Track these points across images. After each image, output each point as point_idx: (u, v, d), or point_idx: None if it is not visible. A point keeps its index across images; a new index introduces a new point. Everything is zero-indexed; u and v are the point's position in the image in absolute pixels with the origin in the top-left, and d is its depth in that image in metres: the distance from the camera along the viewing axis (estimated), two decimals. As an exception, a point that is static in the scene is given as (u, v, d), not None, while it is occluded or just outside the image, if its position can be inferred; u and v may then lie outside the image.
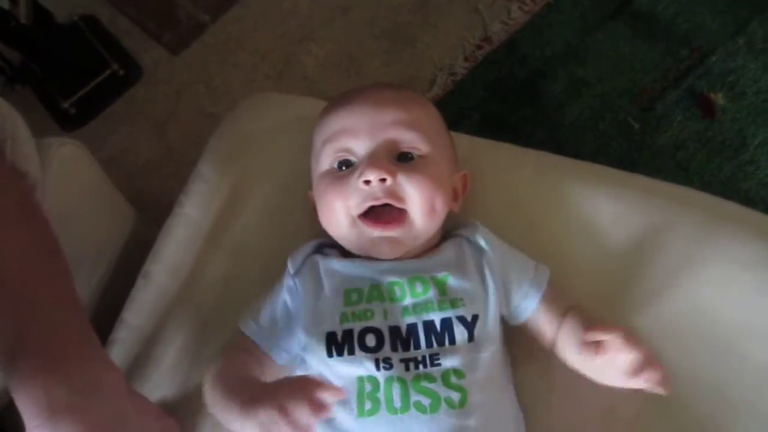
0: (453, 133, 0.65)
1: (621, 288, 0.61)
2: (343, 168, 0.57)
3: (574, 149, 1.13)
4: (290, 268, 0.59)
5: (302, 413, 0.44)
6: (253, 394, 0.49)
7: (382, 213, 0.55)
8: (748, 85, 1.15)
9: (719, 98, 1.15)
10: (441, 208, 0.57)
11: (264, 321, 0.58)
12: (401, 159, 0.56)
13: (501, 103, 1.17)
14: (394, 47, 1.23)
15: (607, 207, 0.63)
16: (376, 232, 0.55)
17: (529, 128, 1.15)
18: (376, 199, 0.54)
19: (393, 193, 0.54)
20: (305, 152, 0.62)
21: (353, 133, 0.56)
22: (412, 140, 0.56)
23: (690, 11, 1.21)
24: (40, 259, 0.51)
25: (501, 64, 1.20)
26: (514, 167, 0.67)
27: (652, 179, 0.67)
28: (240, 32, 1.28)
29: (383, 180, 0.54)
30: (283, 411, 0.44)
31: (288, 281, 0.58)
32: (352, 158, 0.56)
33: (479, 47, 1.22)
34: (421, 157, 0.56)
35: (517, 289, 0.57)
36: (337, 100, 0.61)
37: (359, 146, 0.56)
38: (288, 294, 0.58)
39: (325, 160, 0.58)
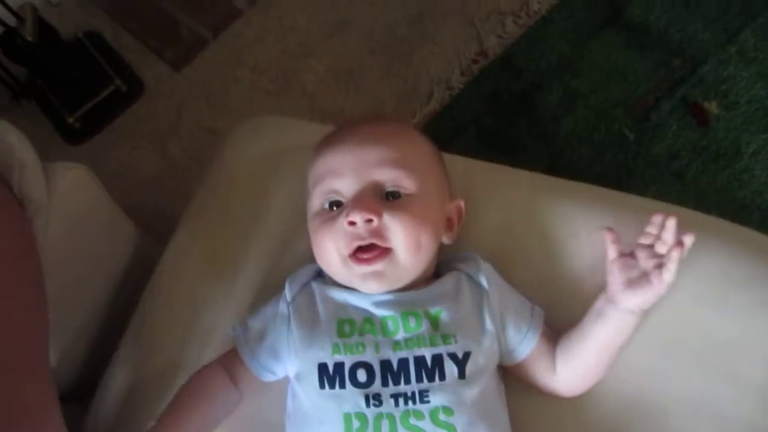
0: (447, 156, 0.65)
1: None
2: (334, 208, 0.58)
3: (570, 160, 1.14)
4: (287, 294, 0.60)
5: None
6: None
7: (368, 251, 0.55)
8: (741, 93, 1.16)
9: (713, 107, 1.16)
10: (427, 245, 0.57)
11: (252, 338, 0.59)
12: (388, 197, 0.57)
13: (497, 115, 1.19)
14: (392, 62, 1.25)
15: (601, 228, 0.61)
16: (361, 268, 0.56)
17: (525, 140, 1.16)
18: (362, 239, 0.55)
19: (378, 232, 0.55)
20: (303, 178, 0.63)
21: (339, 174, 0.57)
22: (398, 178, 0.57)
23: (682, 21, 1.22)
24: (20, 314, 0.50)
25: (497, 77, 1.22)
26: (508, 188, 0.68)
27: (645, 198, 0.68)
28: (240, 48, 1.30)
29: (369, 221, 0.54)
30: None
31: (282, 308, 0.59)
32: (341, 198, 0.57)
33: (475, 61, 1.23)
34: (407, 195, 0.57)
35: (516, 332, 0.58)
36: (326, 138, 0.62)
37: (346, 187, 0.57)
38: (279, 320, 0.59)
39: (316, 201, 0.59)
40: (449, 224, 0.61)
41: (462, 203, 0.63)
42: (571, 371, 0.58)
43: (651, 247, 0.56)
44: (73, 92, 1.27)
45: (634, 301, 0.55)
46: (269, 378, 0.60)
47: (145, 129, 1.26)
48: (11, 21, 1.14)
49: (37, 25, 1.16)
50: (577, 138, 1.16)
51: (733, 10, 1.22)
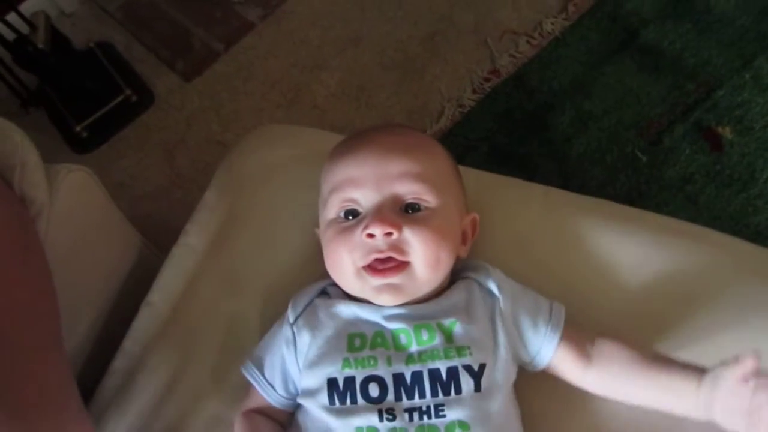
0: (460, 168, 0.64)
1: (630, 327, 0.60)
2: (350, 217, 0.56)
3: (582, 182, 1.13)
4: (290, 315, 0.58)
5: None
6: None
7: (385, 262, 0.54)
8: (756, 119, 1.16)
9: (727, 132, 1.15)
10: (446, 260, 0.56)
11: (277, 383, 0.58)
12: (408, 209, 0.56)
13: (508, 135, 1.18)
14: (403, 78, 1.25)
15: (617, 245, 0.62)
16: (376, 280, 0.54)
17: (536, 160, 1.15)
18: (380, 252, 0.54)
19: (396, 246, 0.54)
20: (312, 186, 0.62)
21: (359, 184, 0.56)
22: (419, 192, 0.56)
23: (696, 46, 1.22)
24: (30, 301, 0.51)
25: (509, 96, 1.21)
26: (521, 203, 0.67)
27: (662, 216, 0.67)
28: (252, 61, 1.30)
29: (389, 234, 0.53)
30: None
31: (286, 331, 0.58)
32: (358, 208, 0.56)
33: (487, 79, 1.23)
34: (428, 208, 0.56)
35: (534, 334, 0.56)
36: (344, 145, 0.60)
37: (365, 197, 0.56)
38: (285, 347, 0.58)
39: (332, 208, 0.57)
40: (464, 237, 0.60)
41: (477, 216, 0.62)
42: (605, 386, 0.56)
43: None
44: (83, 101, 1.27)
45: (723, 420, 0.50)
46: (292, 406, 0.59)
47: (153, 139, 1.25)
48: (24, 28, 1.14)
49: (50, 33, 1.16)
50: (589, 159, 1.15)
51: (747, 36, 1.22)
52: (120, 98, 1.27)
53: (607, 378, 0.56)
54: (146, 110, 1.28)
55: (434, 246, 0.55)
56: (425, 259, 0.54)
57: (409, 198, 0.56)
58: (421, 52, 1.27)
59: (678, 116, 1.17)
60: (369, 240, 0.54)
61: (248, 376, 0.59)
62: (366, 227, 0.53)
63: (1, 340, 0.47)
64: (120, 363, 0.64)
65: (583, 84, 1.21)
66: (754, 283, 0.61)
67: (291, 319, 0.58)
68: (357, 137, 0.61)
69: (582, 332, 0.58)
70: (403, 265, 0.54)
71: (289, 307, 0.59)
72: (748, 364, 0.48)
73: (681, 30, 1.24)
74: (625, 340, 0.57)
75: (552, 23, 1.26)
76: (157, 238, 0.87)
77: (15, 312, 0.49)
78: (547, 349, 0.56)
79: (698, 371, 0.52)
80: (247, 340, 0.62)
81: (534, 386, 0.58)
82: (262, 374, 0.59)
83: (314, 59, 1.29)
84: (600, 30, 1.26)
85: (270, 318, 0.61)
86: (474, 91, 1.22)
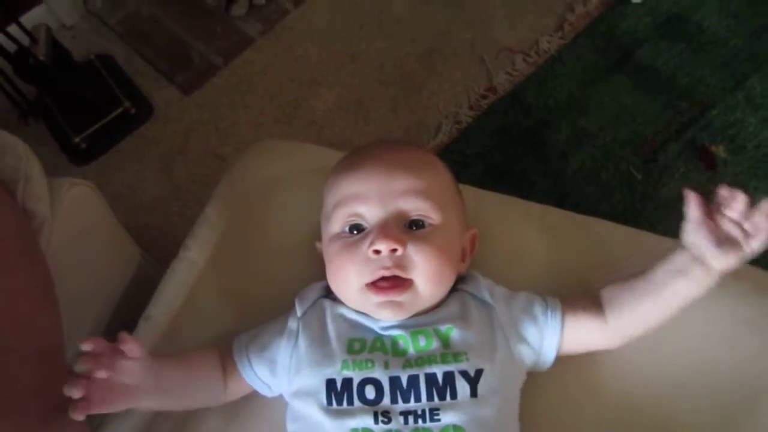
0: (459, 185, 0.64)
1: (627, 345, 0.60)
2: (354, 232, 0.57)
3: (577, 199, 1.14)
4: (298, 310, 0.59)
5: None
6: None
7: (390, 281, 0.55)
8: (749, 138, 1.17)
9: (720, 151, 1.16)
10: (449, 277, 0.57)
11: (252, 346, 0.59)
12: (412, 226, 0.56)
13: (505, 151, 1.19)
14: (401, 94, 1.26)
15: (615, 266, 0.62)
16: (379, 297, 0.55)
17: (532, 177, 1.16)
18: (386, 269, 0.54)
19: (400, 263, 0.55)
20: (313, 202, 0.63)
21: (364, 200, 0.56)
22: (423, 209, 0.56)
23: (690, 66, 1.24)
24: (35, 312, 0.51)
25: (505, 113, 1.23)
26: (519, 221, 0.67)
27: (659, 236, 0.67)
28: (251, 75, 1.31)
29: (394, 250, 0.54)
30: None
31: (291, 323, 0.59)
32: (363, 223, 0.57)
33: (484, 96, 1.24)
34: (431, 225, 0.57)
35: (534, 325, 0.57)
36: (349, 160, 0.61)
37: (370, 213, 0.56)
38: (287, 336, 0.58)
39: (336, 223, 0.58)
40: (463, 254, 0.61)
41: (476, 232, 0.63)
42: (629, 321, 0.57)
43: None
44: (82, 113, 1.28)
45: (724, 262, 0.52)
46: (261, 388, 0.59)
47: (152, 152, 1.26)
48: (25, 40, 1.14)
49: (50, 45, 1.16)
50: (585, 176, 1.16)
51: (739, 57, 1.24)
52: (119, 110, 1.27)
53: (626, 312, 0.57)
54: (145, 122, 1.28)
55: (437, 263, 0.55)
56: (428, 276, 0.55)
57: (414, 215, 0.56)
58: (418, 68, 1.28)
59: (672, 134, 1.18)
60: (374, 256, 0.54)
61: (235, 339, 0.60)
62: (372, 243, 0.54)
63: (3, 350, 0.48)
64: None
65: (578, 102, 1.22)
66: (748, 302, 0.62)
67: (299, 314, 0.59)
68: (362, 153, 0.61)
69: (577, 300, 0.58)
70: (406, 283, 0.55)
71: (296, 302, 0.60)
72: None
73: (675, 50, 1.26)
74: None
75: (548, 41, 1.28)
76: (153, 249, 0.87)
77: (18, 322, 0.49)
78: (551, 343, 0.57)
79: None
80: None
81: (539, 397, 0.59)
82: (247, 344, 0.59)
83: (313, 75, 1.30)
84: (595, 49, 1.27)
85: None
86: (471, 108, 1.23)
